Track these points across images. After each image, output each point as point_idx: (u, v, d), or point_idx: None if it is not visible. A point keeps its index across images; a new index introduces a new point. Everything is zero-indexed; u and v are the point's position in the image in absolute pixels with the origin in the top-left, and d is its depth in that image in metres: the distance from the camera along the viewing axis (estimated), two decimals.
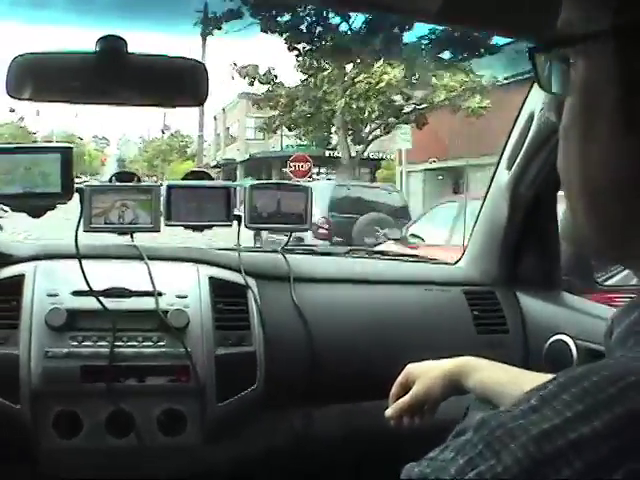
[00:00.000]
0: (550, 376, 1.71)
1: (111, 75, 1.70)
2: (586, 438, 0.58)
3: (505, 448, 0.61)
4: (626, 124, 0.72)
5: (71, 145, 2.26)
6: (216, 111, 52.81)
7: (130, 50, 1.70)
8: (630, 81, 0.72)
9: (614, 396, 0.60)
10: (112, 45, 1.68)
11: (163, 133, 66.50)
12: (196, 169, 2.60)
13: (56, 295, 2.24)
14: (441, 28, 19.91)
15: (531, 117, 2.52)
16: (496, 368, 1.78)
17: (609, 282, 2.66)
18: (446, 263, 3.19)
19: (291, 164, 24.26)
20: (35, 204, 2.21)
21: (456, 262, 3.09)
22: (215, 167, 47.92)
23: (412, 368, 1.88)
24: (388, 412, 1.86)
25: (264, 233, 10.54)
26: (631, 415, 0.58)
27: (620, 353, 0.72)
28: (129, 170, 3.06)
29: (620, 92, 0.72)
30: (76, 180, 2.24)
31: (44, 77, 1.73)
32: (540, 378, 1.70)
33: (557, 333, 2.37)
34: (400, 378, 1.88)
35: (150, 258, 2.42)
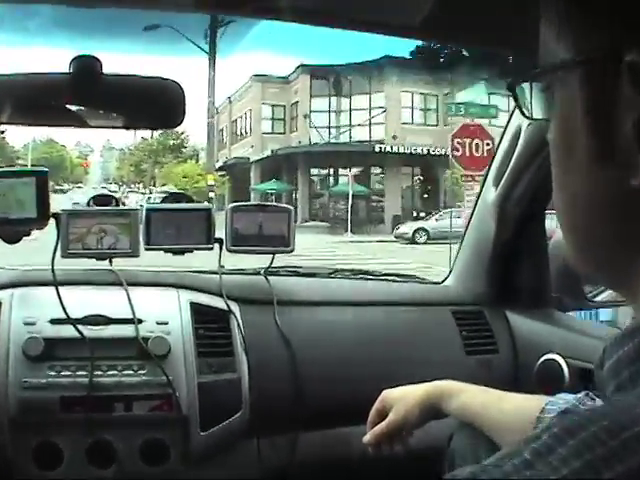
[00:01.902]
0: (535, 397, 1.67)
1: (85, 97, 1.66)
2: None
3: None
4: (600, 153, 0.71)
5: (46, 169, 2.20)
6: (218, 101, 41.90)
7: (105, 71, 1.66)
8: (598, 108, 0.71)
9: (615, 451, 0.54)
10: (86, 65, 1.64)
11: (153, 130, 62.24)
12: (175, 191, 2.55)
13: (33, 324, 2.19)
14: None
15: (518, 133, 2.49)
16: (475, 391, 1.77)
17: (599, 298, 2.62)
18: (433, 282, 3.15)
19: (457, 141, 12.81)
20: (10, 230, 2.17)
21: (443, 281, 3.05)
22: (220, 169, 41.34)
23: (388, 394, 1.87)
24: (366, 438, 1.85)
25: None
26: (635, 475, 0.52)
27: (613, 386, 0.68)
28: (113, 181, 3.03)
29: (590, 120, 0.71)
30: (57, 188, 2.19)
31: (17, 99, 1.68)
32: (520, 399, 1.69)
33: (548, 352, 2.34)
34: (376, 405, 1.87)
35: (129, 284, 2.37)
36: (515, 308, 2.78)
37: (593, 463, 0.53)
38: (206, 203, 2.60)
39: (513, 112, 2.54)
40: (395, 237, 27.86)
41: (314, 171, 40.43)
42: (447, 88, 30.35)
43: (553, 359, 2.30)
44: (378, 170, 37.52)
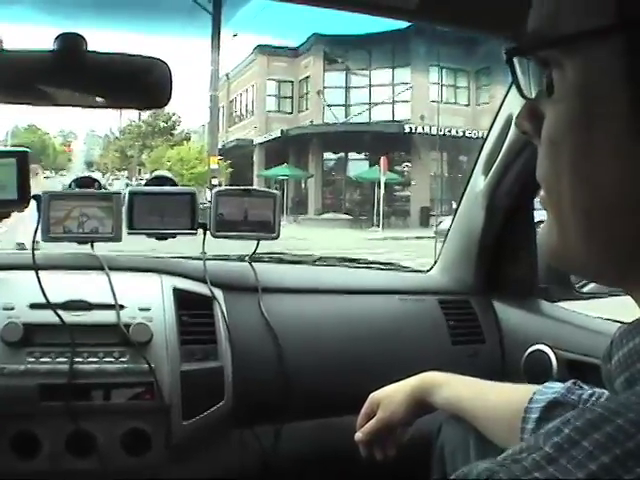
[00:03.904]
0: (517, 387, 1.64)
1: (69, 75, 1.62)
2: None
3: None
4: (637, 132, 0.64)
5: (27, 149, 2.16)
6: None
7: (90, 48, 1.62)
8: (637, 80, 0.64)
9: None
10: (70, 43, 1.59)
11: (139, 110, 59.49)
12: (162, 173, 2.51)
13: (12, 309, 2.15)
14: None
15: (509, 121, 2.47)
16: (461, 382, 1.75)
17: (587, 289, 2.60)
18: (419, 271, 3.13)
19: None
20: None
21: (429, 269, 3.03)
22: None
23: (375, 395, 1.85)
24: (357, 436, 1.83)
25: None
26: None
27: (623, 379, 0.66)
28: (97, 168, 3.00)
29: (632, 93, 0.64)
30: (41, 174, 2.15)
31: None
32: (507, 390, 1.66)
33: (536, 343, 2.33)
34: (364, 408, 1.85)
35: (111, 268, 2.33)
36: (502, 298, 2.77)
37: (622, 458, 0.51)
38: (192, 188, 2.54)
39: (505, 99, 2.51)
40: (435, 233, 26.73)
41: (327, 155, 38.09)
42: (481, 63, 28.57)
43: (541, 350, 2.29)
44: (402, 155, 35.14)
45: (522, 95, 0.79)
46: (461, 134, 30.90)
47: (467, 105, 34.29)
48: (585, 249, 0.73)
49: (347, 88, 37.64)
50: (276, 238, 2.53)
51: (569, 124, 0.70)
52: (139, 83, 1.66)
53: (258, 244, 2.58)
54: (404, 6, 1.59)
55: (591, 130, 0.68)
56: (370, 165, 34.76)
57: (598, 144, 0.68)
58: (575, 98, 0.69)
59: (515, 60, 0.77)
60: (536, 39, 0.74)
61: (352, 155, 37.93)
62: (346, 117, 36.77)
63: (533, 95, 0.77)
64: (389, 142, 33.35)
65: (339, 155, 38.08)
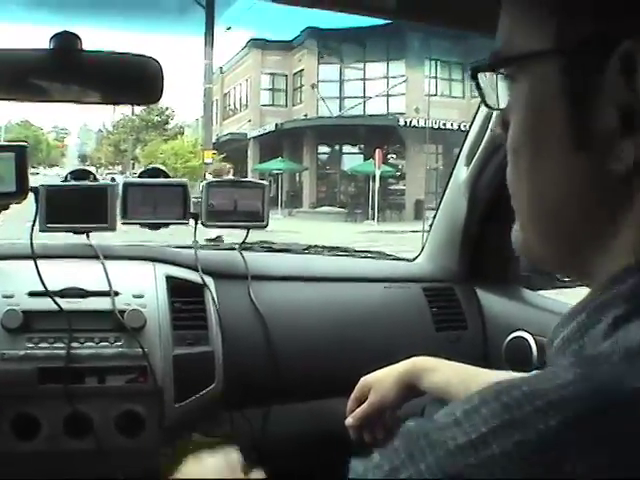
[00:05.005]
0: (503, 373, 1.71)
1: (65, 73, 1.68)
2: (497, 457, 0.58)
3: (424, 459, 0.60)
4: (576, 139, 0.74)
5: (25, 144, 2.22)
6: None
7: (85, 47, 1.68)
8: (577, 96, 0.73)
9: (529, 416, 0.59)
10: (66, 42, 1.66)
11: (132, 105, 57.49)
12: (155, 166, 2.56)
13: (12, 296, 2.22)
14: None
15: (489, 115, 2.52)
16: (447, 368, 1.77)
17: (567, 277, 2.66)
18: (405, 259, 3.19)
19: None
20: None
21: (415, 258, 3.09)
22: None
23: (365, 379, 1.86)
24: (348, 421, 1.84)
25: None
26: (540, 440, 0.57)
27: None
28: (90, 163, 3.03)
29: (569, 108, 0.74)
30: (33, 171, 2.20)
31: None
32: (491, 375, 1.71)
33: (517, 329, 2.36)
34: (355, 392, 1.87)
35: (106, 257, 2.40)
36: (485, 286, 2.83)
37: (508, 424, 0.58)
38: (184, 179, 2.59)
39: None
40: (430, 227, 26.03)
41: (322, 149, 37.75)
42: (475, 55, 28.15)
43: (522, 336, 2.32)
44: (397, 147, 34.80)
45: (487, 106, 0.90)
46: (456, 127, 30.18)
47: (462, 97, 33.90)
48: (541, 246, 0.84)
49: (341, 81, 37.18)
50: (265, 227, 2.58)
51: (524, 134, 0.80)
52: (132, 80, 1.72)
53: (248, 233, 2.63)
54: (384, 5, 1.62)
55: (540, 141, 0.78)
56: (365, 158, 34.39)
57: (546, 154, 0.78)
58: (527, 111, 0.79)
59: (480, 76, 0.87)
60: (497, 58, 0.83)
61: (347, 148, 37.53)
62: (340, 110, 36.36)
63: (502, 106, 0.86)
64: (384, 135, 33.11)
65: (334, 148, 37.65)
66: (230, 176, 12.15)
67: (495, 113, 0.92)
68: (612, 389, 0.60)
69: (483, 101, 0.89)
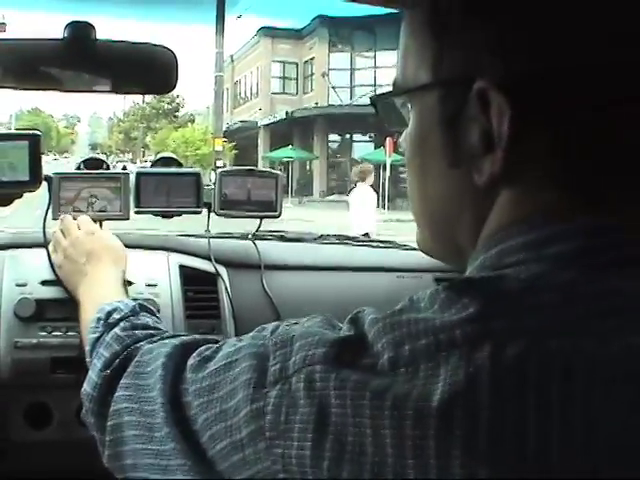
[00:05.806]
0: None
1: (79, 62, 1.68)
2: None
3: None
4: (450, 158, 0.91)
5: (39, 132, 2.22)
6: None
7: (98, 37, 1.68)
8: (449, 122, 0.90)
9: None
10: (79, 31, 1.66)
11: (145, 94, 55.18)
12: (167, 154, 2.56)
13: (25, 285, 2.22)
14: None
15: None
16: None
17: None
18: (417, 249, 3.17)
19: None
20: (2, 193, 2.18)
21: None
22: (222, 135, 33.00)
23: None
24: None
25: None
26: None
27: None
28: (101, 151, 3.03)
29: (444, 132, 0.91)
30: (43, 157, 2.20)
31: (11, 64, 1.71)
32: None
33: None
34: None
35: None
36: None
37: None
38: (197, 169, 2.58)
39: None
40: None
41: (332, 137, 37.86)
42: None
43: None
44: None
45: (385, 126, 1.16)
46: None
47: None
48: (434, 244, 1.06)
49: (352, 70, 37.15)
50: (278, 217, 2.58)
51: (413, 150, 1.01)
52: (146, 69, 1.73)
53: (261, 222, 2.63)
54: None
55: (425, 158, 0.97)
56: (375, 147, 34.31)
57: (429, 169, 0.97)
58: (415, 131, 0.99)
59: (377, 102, 1.09)
60: (395, 87, 1.02)
61: (357, 137, 37.53)
62: (351, 99, 36.32)
63: (395, 126, 1.09)
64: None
65: (344, 137, 37.63)
66: (372, 177, 12.37)
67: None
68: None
69: (382, 123, 1.13)
